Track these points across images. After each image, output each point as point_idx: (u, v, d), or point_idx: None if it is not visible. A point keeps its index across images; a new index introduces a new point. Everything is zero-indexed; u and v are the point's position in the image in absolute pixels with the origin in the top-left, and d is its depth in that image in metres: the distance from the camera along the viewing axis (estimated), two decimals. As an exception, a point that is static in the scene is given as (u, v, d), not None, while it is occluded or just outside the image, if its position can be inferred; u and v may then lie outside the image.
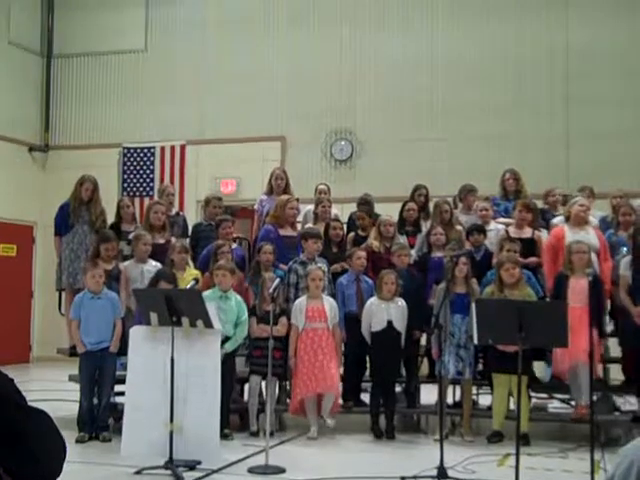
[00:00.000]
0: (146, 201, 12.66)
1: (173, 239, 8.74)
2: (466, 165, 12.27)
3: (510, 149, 12.25)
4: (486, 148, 12.56)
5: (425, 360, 8.36)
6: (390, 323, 7.66)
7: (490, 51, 12.95)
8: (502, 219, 9.04)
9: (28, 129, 14.86)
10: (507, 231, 8.46)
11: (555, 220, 8.64)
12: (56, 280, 8.91)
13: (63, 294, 9.10)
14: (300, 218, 9.48)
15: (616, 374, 8.24)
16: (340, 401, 7.82)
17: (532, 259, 8.13)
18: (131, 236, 8.57)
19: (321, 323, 7.68)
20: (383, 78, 13.34)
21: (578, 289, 7.16)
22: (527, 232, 8.42)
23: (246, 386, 8.39)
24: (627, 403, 8.14)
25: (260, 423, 7.62)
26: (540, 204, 9.17)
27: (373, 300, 7.78)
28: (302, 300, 7.77)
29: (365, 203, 9.39)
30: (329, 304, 7.77)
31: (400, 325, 7.72)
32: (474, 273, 7.80)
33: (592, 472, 5.30)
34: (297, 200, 9.08)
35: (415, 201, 9.37)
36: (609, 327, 8.01)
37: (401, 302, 7.73)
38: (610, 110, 12.26)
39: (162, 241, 8.53)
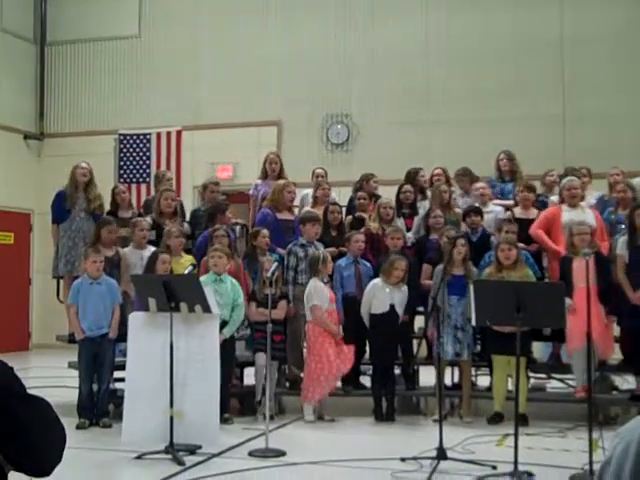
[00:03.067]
0: (143, 188, 12.67)
1: (186, 225, 8.76)
2: (462, 148, 12.25)
3: (506, 131, 12.23)
4: (482, 131, 12.54)
5: (424, 342, 8.37)
6: (392, 307, 7.68)
7: (486, 34, 12.89)
8: (498, 200, 9.04)
9: (23, 117, 14.81)
10: (513, 212, 8.45)
11: (553, 198, 8.64)
12: (53, 268, 8.92)
13: (61, 281, 9.11)
14: (297, 202, 9.48)
15: (614, 353, 8.26)
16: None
17: (528, 245, 8.11)
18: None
19: (332, 305, 7.77)
20: (379, 62, 13.30)
21: (583, 270, 7.15)
22: (533, 213, 8.41)
23: (246, 370, 8.43)
24: (625, 382, 8.18)
25: (260, 407, 7.64)
26: (537, 186, 9.16)
27: (377, 282, 7.77)
28: (320, 283, 7.74)
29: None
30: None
31: (400, 309, 7.74)
32: (471, 255, 7.81)
33: (590, 451, 5.33)
34: (294, 184, 9.09)
35: (416, 183, 9.37)
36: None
37: (404, 288, 7.74)
38: (605, 93, 12.25)
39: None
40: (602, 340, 7.05)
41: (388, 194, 9.31)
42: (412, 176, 9.52)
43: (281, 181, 9.03)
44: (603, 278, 7.27)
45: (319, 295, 7.68)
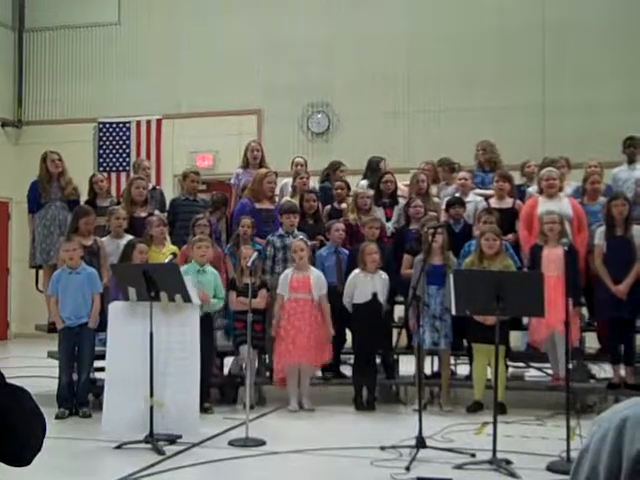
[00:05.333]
0: (122, 176, 12.62)
1: (157, 212, 8.76)
2: (442, 137, 12.28)
3: (486, 121, 12.27)
4: (462, 120, 12.56)
5: (403, 331, 8.40)
6: (375, 295, 7.69)
7: (467, 24, 12.90)
8: (479, 190, 9.07)
9: (0, 104, 14.66)
10: (488, 202, 8.49)
11: (530, 189, 8.68)
12: (30, 257, 8.92)
13: (40, 271, 9.08)
14: (277, 191, 9.47)
15: (591, 342, 8.35)
16: (328, 358, 7.85)
17: (510, 236, 8.15)
18: None
19: (305, 294, 7.70)
20: (360, 51, 13.28)
21: (552, 259, 7.23)
22: (508, 202, 8.47)
23: (226, 360, 8.43)
24: (602, 371, 8.25)
25: (240, 396, 7.65)
26: (517, 176, 9.20)
27: (356, 272, 7.79)
28: (288, 271, 7.79)
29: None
30: (315, 276, 7.75)
31: (382, 298, 7.75)
32: (453, 245, 7.83)
33: (568, 438, 5.39)
34: (275, 174, 9.08)
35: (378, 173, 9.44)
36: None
37: (384, 275, 7.75)
38: (586, 83, 12.31)
39: (144, 214, 8.53)
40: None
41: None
42: (374, 166, 9.54)
43: (262, 170, 9.01)
44: (570, 268, 7.31)
45: (282, 283, 7.76)
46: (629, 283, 7.36)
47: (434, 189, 9.23)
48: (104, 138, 12.83)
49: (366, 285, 7.70)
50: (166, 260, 6.94)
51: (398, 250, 8.28)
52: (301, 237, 8.07)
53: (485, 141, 9.51)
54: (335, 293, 7.89)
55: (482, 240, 7.43)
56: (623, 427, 1.17)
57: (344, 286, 7.85)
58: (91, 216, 8.11)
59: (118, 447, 5.99)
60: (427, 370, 8.18)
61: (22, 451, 1.63)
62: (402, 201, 8.97)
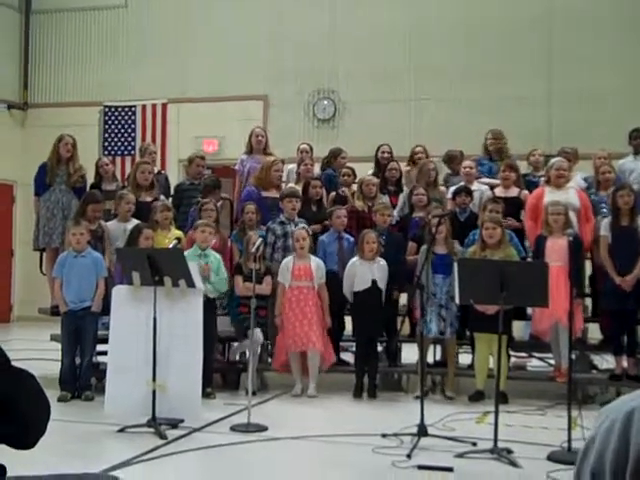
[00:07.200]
0: (127, 160, 12.61)
1: (162, 197, 8.77)
2: (448, 126, 12.26)
3: (493, 110, 12.23)
4: (469, 109, 12.53)
5: (406, 319, 8.40)
6: (374, 282, 7.69)
7: (474, 12, 12.86)
8: (485, 179, 9.04)
9: (6, 87, 14.65)
10: (493, 191, 8.48)
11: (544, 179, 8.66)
12: (33, 240, 8.93)
13: (44, 254, 9.09)
14: (283, 178, 9.47)
15: (594, 333, 8.35)
16: (333, 358, 7.88)
17: (511, 222, 8.11)
18: None
19: (307, 282, 7.72)
20: (366, 38, 13.24)
21: (556, 249, 7.22)
22: (513, 191, 8.45)
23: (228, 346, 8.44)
24: (604, 362, 8.25)
25: (242, 382, 7.65)
26: (524, 165, 9.18)
27: (355, 260, 7.79)
28: (289, 259, 7.80)
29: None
30: (316, 264, 7.78)
31: (382, 284, 7.75)
32: (459, 234, 7.82)
33: (569, 429, 5.39)
34: (282, 162, 9.07)
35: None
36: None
37: (382, 262, 7.76)
38: (592, 72, 12.26)
39: (149, 199, 8.53)
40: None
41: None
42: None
43: (269, 159, 9.00)
44: (574, 259, 7.31)
45: (282, 271, 7.77)
46: (637, 275, 7.34)
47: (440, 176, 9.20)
48: (109, 122, 12.80)
49: (365, 272, 7.70)
50: (170, 245, 6.94)
51: (403, 238, 8.27)
52: (303, 226, 8.06)
53: (496, 130, 9.44)
54: (337, 280, 7.88)
55: (483, 230, 7.43)
56: (630, 418, 1.17)
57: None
58: (100, 204, 8.14)
59: (121, 430, 6.01)
60: (429, 358, 8.19)
61: (26, 434, 1.64)
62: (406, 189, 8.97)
